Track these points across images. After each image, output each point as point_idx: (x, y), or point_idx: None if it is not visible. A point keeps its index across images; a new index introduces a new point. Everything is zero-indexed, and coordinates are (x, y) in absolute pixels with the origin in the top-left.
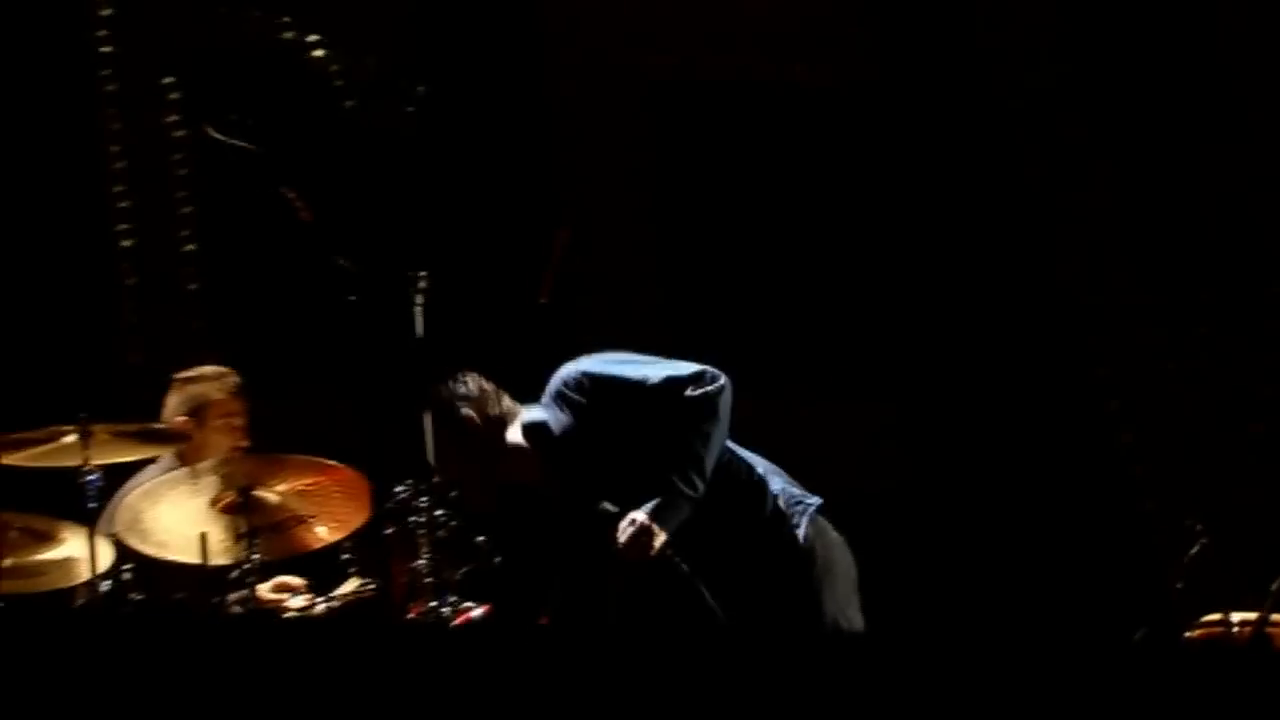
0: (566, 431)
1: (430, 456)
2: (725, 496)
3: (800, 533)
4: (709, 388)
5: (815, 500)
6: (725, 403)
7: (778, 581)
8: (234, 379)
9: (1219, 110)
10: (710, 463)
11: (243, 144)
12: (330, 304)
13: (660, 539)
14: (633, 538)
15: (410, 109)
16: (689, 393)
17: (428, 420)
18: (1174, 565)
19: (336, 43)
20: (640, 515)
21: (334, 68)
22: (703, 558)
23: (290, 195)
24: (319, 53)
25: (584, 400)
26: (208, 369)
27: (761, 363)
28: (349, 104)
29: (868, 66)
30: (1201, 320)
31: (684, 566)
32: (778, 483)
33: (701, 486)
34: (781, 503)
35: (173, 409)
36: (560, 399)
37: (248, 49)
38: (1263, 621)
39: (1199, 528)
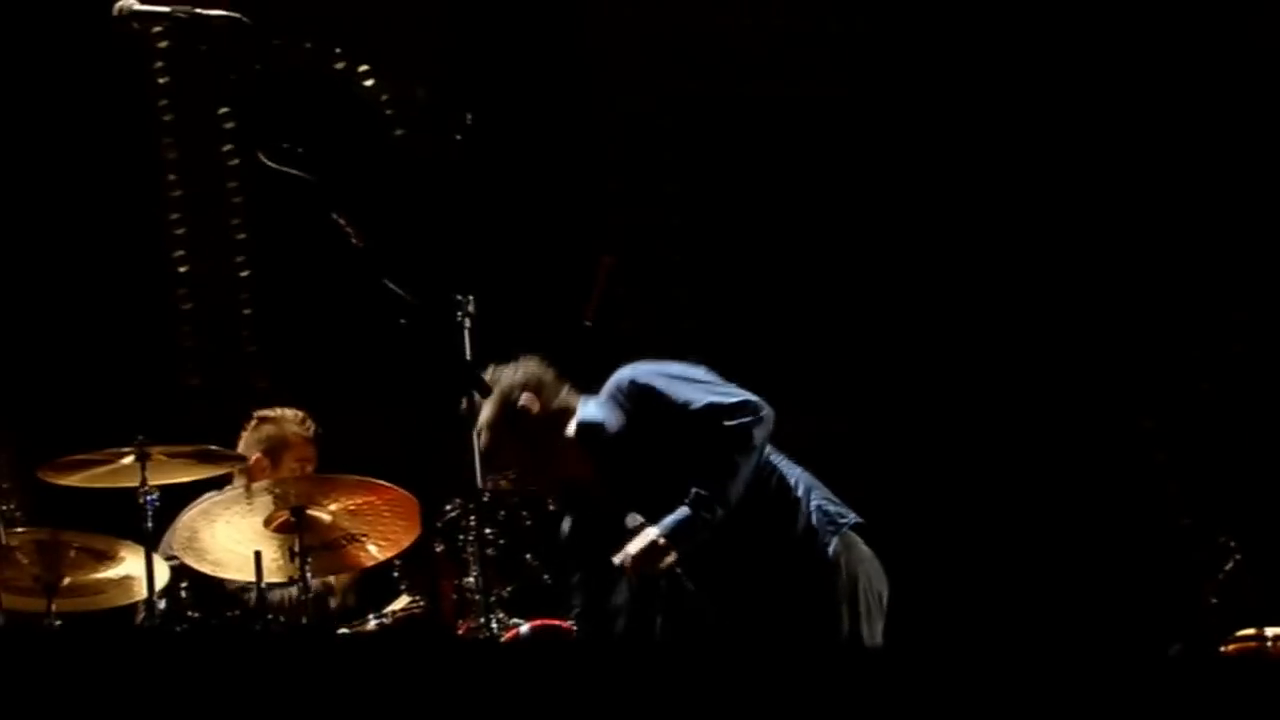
0: (616, 433)
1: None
2: (758, 511)
3: (829, 549)
4: (747, 419)
5: (851, 518)
6: (762, 435)
7: (799, 595)
8: (312, 425)
9: (1250, 116)
10: (736, 491)
11: (295, 172)
12: (380, 327)
13: (670, 558)
14: (643, 552)
15: (458, 137)
16: (727, 423)
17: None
18: (1209, 581)
19: (386, 73)
20: (655, 531)
21: (384, 97)
22: (727, 570)
23: (341, 222)
24: (369, 83)
25: (629, 406)
26: (288, 412)
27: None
28: (399, 132)
29: (878, 82)
30: (1235, 338)
31: (689, 585)
32: (816, 498)
33: (721, 513)
34: (814, 520)
35: (249, 445)
36: (611, 400)
37: (301, 80)
38: None
39: (1233, 544)
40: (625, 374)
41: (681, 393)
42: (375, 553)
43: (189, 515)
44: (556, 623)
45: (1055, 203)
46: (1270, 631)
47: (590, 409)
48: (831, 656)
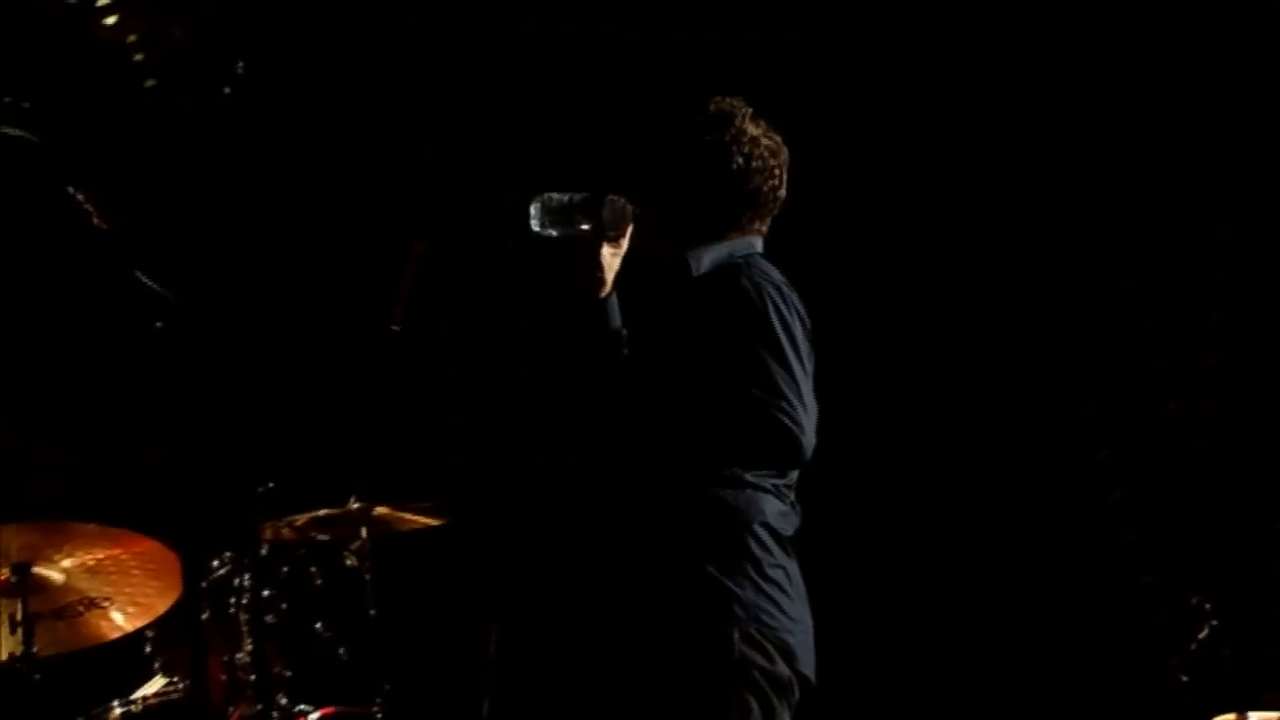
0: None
1: None
2: (691, 544)
3: (733, 640)
4: (790, 434)
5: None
6: (776, 451)
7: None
8: None
9: (1230, 101)
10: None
11: (19, 133)
12: (132, 331)
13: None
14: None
15: (226, 90)
16: (778, 414)
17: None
18: (1178, 652)
19: (134, 8)
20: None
21: (131, 39)
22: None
23: (81, 197)
24: (111, 20)
25: (717, 294)
26: None
27: None
28: (151, 84)
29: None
30: (1210, 349)
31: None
32: (770, 509)
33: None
34: (737, 606)
35: None
36: (737, 271)
37: (23, 16)
38: None
39: (1208, 606)
40: (763, 271)
41: (770, 350)
42: (121, 621)
43: None
44: (353, 710)
45: (996, 191)
46: (1254, 717)
47: (710, 256)
48: None
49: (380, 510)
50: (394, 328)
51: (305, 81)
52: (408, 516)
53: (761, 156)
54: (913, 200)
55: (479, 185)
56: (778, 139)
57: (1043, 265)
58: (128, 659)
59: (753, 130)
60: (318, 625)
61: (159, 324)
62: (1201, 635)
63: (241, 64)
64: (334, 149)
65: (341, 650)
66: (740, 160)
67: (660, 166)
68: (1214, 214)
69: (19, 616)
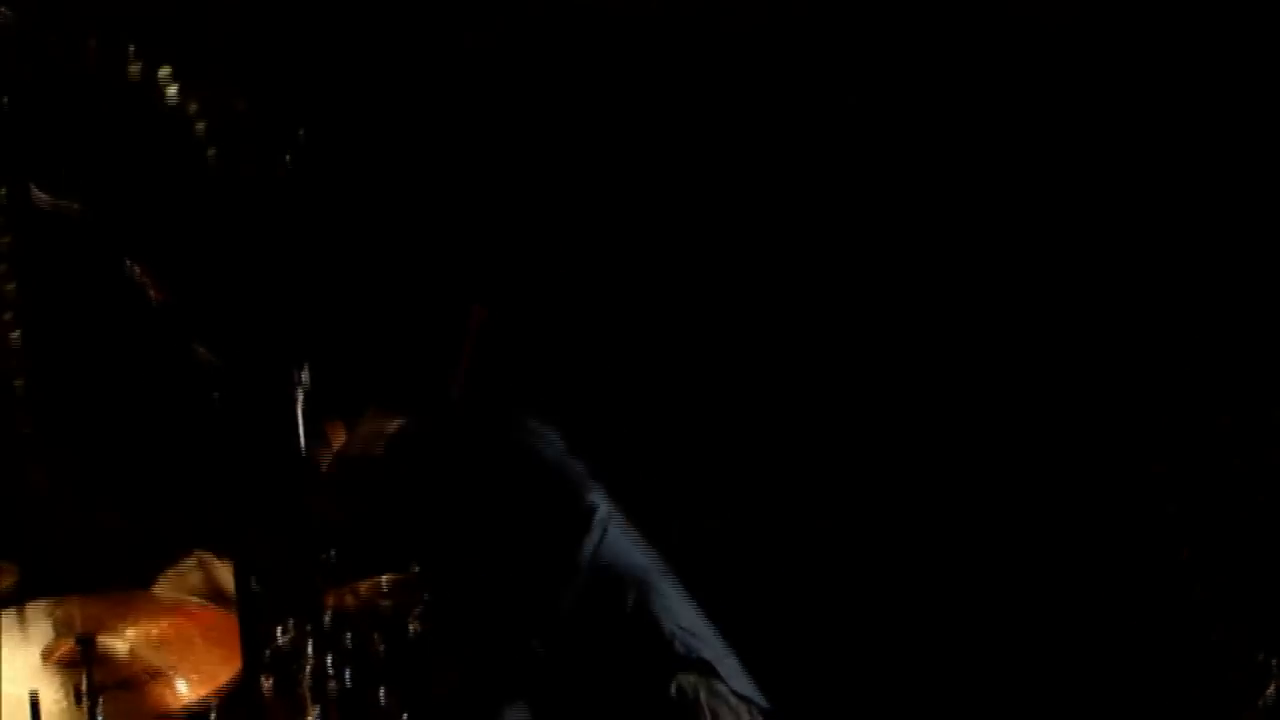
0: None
1: None
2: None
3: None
4: (572, 538)
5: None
6: (568, 551)
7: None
8: None
9: None
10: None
11: (77, 207)
12: (189, 404)
13: None
14: None
15: (288, 158)
16: (587, 545)
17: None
18: (1246, 711)
19: (196, 78)
20: None
21: (192, 109)
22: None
23: (138, 271)
24: (172, 90)
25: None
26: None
27: None
28: (211, 154)
29: None
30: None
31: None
32: (683, 619)
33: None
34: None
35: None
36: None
37: (83, 87)
38: None
39: (1275, 662)
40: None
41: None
42: (185, 691)
43: None
44: None
45: (1047, 202)
46: None
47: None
48: None
49: None
50: (454, 394)
51: (366, 148)
52: None
53: None
54: (970, 226)
55: (539, 253)
56: None
57: (1108, 325)
58: None
59: None
60: (381, 692)
61: (216, 394)
62: (1269, 692)
63: (302, 132)
64: (395, 215)
65: (405, 717)
66: None
67: None
68: None
69: (84, 688)
